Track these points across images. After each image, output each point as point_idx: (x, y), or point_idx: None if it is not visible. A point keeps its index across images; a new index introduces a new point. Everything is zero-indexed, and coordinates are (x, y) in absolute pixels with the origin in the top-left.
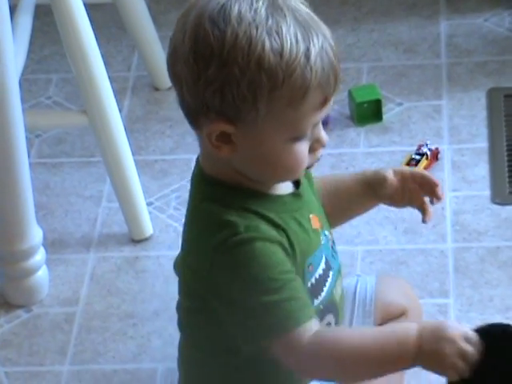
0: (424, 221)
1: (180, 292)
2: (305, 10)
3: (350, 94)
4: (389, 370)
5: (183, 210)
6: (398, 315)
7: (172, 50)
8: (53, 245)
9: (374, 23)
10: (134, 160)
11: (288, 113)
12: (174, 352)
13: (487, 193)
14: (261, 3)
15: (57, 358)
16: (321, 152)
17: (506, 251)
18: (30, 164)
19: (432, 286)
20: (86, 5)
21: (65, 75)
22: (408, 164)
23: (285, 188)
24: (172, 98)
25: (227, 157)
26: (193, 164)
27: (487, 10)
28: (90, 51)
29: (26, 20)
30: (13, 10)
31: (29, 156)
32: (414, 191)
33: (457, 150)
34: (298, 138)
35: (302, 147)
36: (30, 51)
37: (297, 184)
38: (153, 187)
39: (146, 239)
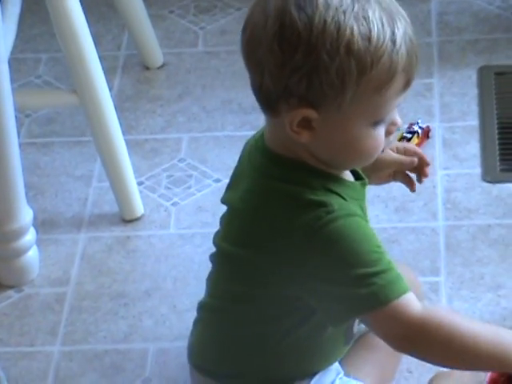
0: (413, 190)
1: (225, 276)
2: None
3: None
4: (503, 367)
5: (174, 190)
6: None
7: (250, 35)
8: (43, 225)
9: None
10: (125, 139)
11: (373, 97)
12: (165, 332)
13: (478, 171)
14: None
15: (47, 338)
16: (395, 135)
17: (496, 229)
18: (20, 144)
19: (423, 264)
20: None
21: (54, 54)
22: (401, 141)
23: (348, 177)
24: (163, 76)
25: (307, 142)
26: (184, 143)
27: None
28: (79, 30)
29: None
30: None
31: (19, 136)
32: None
33: (448, 128)
34: (378, 122)
35: (381, 131)
36: (20, 30)
37: (354, 174)
38: (143, 167)
39: (137, 219)
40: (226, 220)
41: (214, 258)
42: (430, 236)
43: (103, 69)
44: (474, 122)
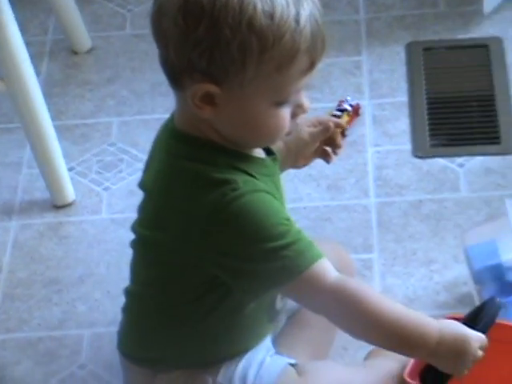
0: (329, 161)
1: (144, 262)
2: None
3: None
4: (401, 347)
5: (105, 174)
6: None
7: (158, 8)
8: None
9: None
10: (54, 125)
11: (275, 77)
12: (99, 317)
13: (408, 147)
14: None
15: None
16: (301, 118)
17: (428, 204)
18: None
19: (356, 242)
20: None
21: None
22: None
23: (257, 152)
24: (91, 60)
25: (209, 118)
26: (114, 127)
27: None
28: (4, 16)
29: None
30: None
31: None
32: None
33: (377, 105)
34: (281, 103)
35: (285, 112)
36: None
37: (265, 150)
38: (74, 152)
39: (69, 205)
40: (142, 205)
41: (133, 244)
42: (362, 213)
43: (30, 54)
44: (403, 98)
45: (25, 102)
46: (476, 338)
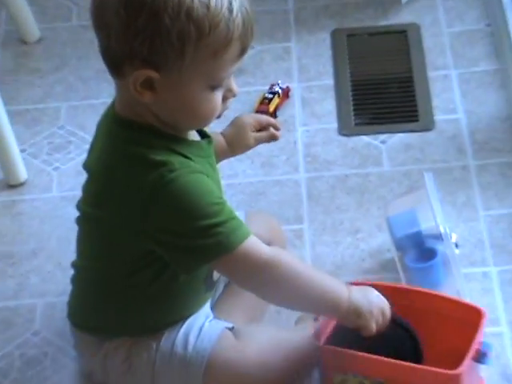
0: (278, 138)
1: (88, 237)
2: None
3: None
4: (319, 311)
5: (55, 155)
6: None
7: (99, 1)
8: None
9: None
10: (7, 110)
11: (210, 62)
12: (52, 288)
13: (335, 126)
14: None
15: None
16: (231, 101)
17: (353, 178)
18: None
19: (288, 214)
20: None
21: None
22: (261, 103)
23: (193, 136)
24: (40, 50)
25: (149, 102)
26: (63, 112)
27: None
28: None
29: None
30: None
31: None
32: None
33: (306, 88)
34: (215, 87)
35: (218, 96)
36: None
37: (201, 134)
38: (25, 135)
39: (21, 184)
40: (85, 184)
41: (77, 221)
42: (293, 188)
43: None
44: (329, 81)
45: None
46: (377, 300)
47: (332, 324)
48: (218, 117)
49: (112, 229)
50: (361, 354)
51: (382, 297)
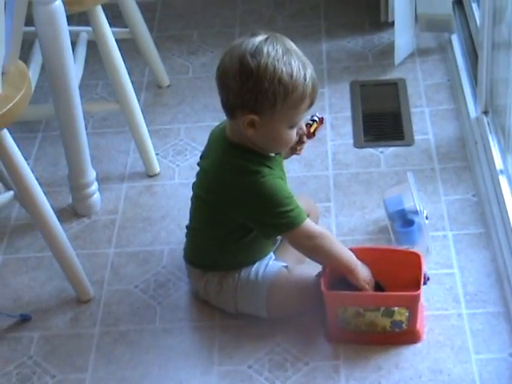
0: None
1: (199, 210)
2: (299, 51)
3: None
4: (341, 268)
5: (177, 157)
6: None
7: (222, 71)
8: None
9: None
10: (148, 129)
11: (292, 111)
12: (174, 239)
13: (351, 141)
14: (278, 46)
15: None
16: (299, 135)
17: (362, 175)
18: None
19: (321, 196)
20: None
21: None
22: (305, 126)
23: (273, 154)
24: (169, 92)
25: (251, 135)
26: (182, 130)
27: (350, 34)
28: (118, 64)
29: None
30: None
31: None
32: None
33: (333, 118)
34: (293, 127)
35: (294, 132)
36: None
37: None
38: (159, 144)
39: (156, 175)
40: (199, 175)
41: (192, 198)
42: (324, 180)
43: (134, 87)
44: (348, 113)
45: (131, 115)
46: (368, 274)
47: (327, 277)
48: (292, 145)
49: (216, 208)
50: (355, 292)
51: (370, 273)
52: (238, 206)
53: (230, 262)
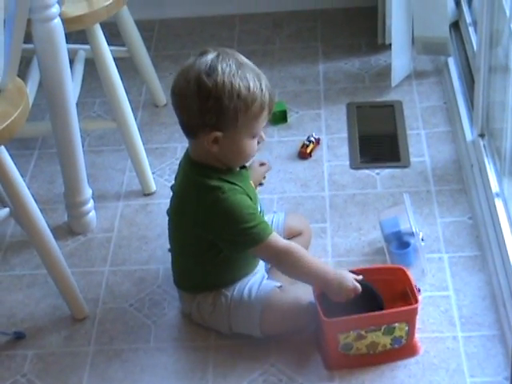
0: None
1: (174, 231)
2: (251, 63)
3: None
4: (312, 283)
5: (173, 176)
6: (297, 234)
7: (179, 92)
8: None
9: (282, 66)
10: (145, 148)
11: (253, 122)
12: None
13: (347, 163)
14: (231, 61)
15: None
16: (261, 144)
17: (358, 196)
18: None
19: (317, 217)
20: None
21: None
22: (302, 147)
23: (237, 168)
24: (165, 111)
25: (215, 152)
26: (179, 149)
27: (347, 56)
28: (116, 84)
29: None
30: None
31: None
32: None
33: (330, 139)
34: (254, 136)
35: (255, 141)
36: None
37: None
38: (155, 163)
39: (152, 193)
40: (171, 199)
41: (168, 222)
42: (320, 200)
43: (131, 106)
44: (344, 135)
45: (128, 134)
46: (350, 281)
47: (321, 303)
48: (253, 156)
49: (186, 229)
50: (356, 316)
51: (349, 277)
52: (203, 224)
53: (218, 281)
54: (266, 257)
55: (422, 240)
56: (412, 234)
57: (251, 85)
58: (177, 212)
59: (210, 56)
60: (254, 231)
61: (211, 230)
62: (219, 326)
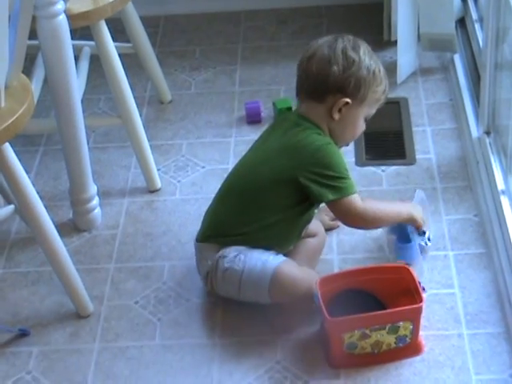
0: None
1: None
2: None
3: (274, 104)
4: (393, 222)
5: (178, 173)
6: (313, 235)
7: (320, 59)
8: None
9: (287, 63)
10: (150, 144)
11: (374, 102)
12: (175, 255)
13: (353, 160)
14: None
15: None
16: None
17: (364, 193)
18: None
19: None
20: None
21: None
22: None
23: None
24: (171, 107)
25: (335, 119)
26: (184, 146)
27: None
28: (122, 82)
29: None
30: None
31: None
32: None
33: None
34: (366, 119)
35: (364, 125)
36: None
37: None
38: (160, 160)
39: (157, 190)
40: (246, 155)
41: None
42: None
43: (136, 103)
44: None
45: (133, 130)
46: (418, 211)
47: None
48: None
49: (278, 172)
50: (361, 315)
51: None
52: (303, 165)
53: (254, 240)
54: (347, 214)
55: (429, 240)
56: (420, 232)
57: (382, 69)
58: (264, 161)
59: (351, 37)
60: (348, 182)
61: (310, 171)
62: (229, 288)
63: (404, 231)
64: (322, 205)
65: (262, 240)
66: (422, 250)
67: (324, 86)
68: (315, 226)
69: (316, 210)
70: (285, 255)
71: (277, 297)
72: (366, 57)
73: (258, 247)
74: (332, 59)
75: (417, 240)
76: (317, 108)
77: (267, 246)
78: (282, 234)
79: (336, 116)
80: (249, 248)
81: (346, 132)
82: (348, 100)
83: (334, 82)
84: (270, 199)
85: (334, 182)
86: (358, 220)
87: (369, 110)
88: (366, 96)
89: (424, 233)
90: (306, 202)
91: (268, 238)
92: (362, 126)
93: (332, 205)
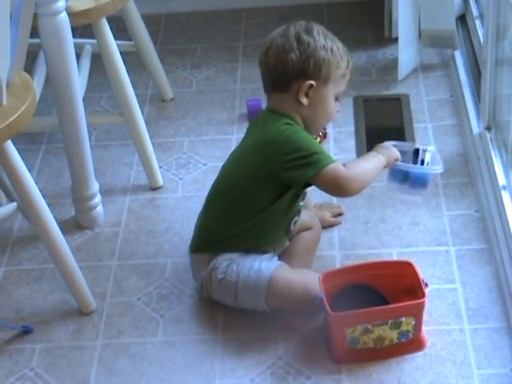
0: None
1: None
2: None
3: None
4: (378, 173)
5: (180, 170)
6: (308, 228)
7: (276, 49)
8: None
9: None
10: (152, 142)
11: (340, 80)
12: (177, 252)
13: (354, 156)
14: (320, 28)
15: None
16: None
17: (365, 189)
18: None
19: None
20: None
21: None
22: None
23: None
24: (172, 105)
25: (304, 104)
26: (185, 144)
27: (354, 49)
28: (124, 80)
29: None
30: None
31: None
32: None
33: (337, 132)
34: (337, 98)
35: (336, 105)
36: None
37: None
38: (162, 157)
39: (159, 187)
40: (230, 157)
41: (219, 177)
42: (324, 194)
43: (138, 101)
44: (351, 128)
45: (135, 128)
46: (388, 147)
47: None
48: (331, 120)
49: (255, 171)
50: (364, 310)
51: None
52: (277, 159)
53: (245, 241)
54: (331, 185)
55: (423, 163)
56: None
57: (340, 46)
58: (240, 161)
59: (303, 22)
60: (322, 155)
61: (282, 160)
62: (225, 296)
63: (400, 172)
64: (322, 201)
65: (251, 241)
66: (426, 170)
67: (286, 75)
68: (310, 218)
69: (302, 203)
70: (282, 252)
71: (274, 304)
72: (321, 37)
73: (249, 249)
74: (287, 47)
75: (417, 169)
76: (284, 98)
77: (259, 247)
78: (269, 232)
79: (304, 101)
80: (241, 254)
81: (318, 115)
82: (312, 82)
83: (293, 68)
84: (250, 198)
85: (308, 159)
86: (346, 186)
87: (337, 87)
88: (330, 74)
89: (416, 159)
90: (286, 195)
91: (256, 238)
92: (334, 106)
93: (317, 181)
